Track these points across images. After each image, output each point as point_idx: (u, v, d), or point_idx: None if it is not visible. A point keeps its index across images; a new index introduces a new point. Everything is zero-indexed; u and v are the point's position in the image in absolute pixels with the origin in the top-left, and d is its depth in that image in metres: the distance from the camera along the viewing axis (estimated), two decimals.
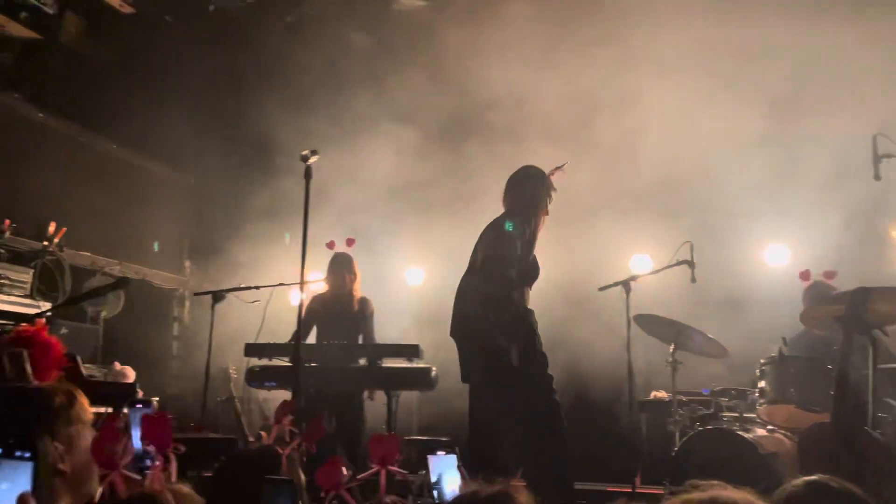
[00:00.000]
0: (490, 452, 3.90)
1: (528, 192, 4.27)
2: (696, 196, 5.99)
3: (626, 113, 5.83)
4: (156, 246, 7.30)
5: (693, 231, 5.31)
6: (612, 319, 5.17)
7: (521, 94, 6.19)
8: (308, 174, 3.66)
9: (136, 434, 2.07)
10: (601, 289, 5.00)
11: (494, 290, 3.96)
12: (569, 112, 6.09)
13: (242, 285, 5.48)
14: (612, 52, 5.93)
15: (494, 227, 4.17)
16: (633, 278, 4.99)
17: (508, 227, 4.06)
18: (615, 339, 5.03)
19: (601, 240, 6.10)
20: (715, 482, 1.58)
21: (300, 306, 3.68)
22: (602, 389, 5.63)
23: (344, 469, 2.09)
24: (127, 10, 6.95)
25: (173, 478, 1.88)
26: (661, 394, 5.69)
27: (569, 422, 5.78)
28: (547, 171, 4.35)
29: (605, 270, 5.52)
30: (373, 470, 2.18)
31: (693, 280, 4.96)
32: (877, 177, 4.42)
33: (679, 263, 4.99)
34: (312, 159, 3.66)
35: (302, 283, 3.67)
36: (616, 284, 4.96)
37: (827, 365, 4.43)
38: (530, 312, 4.21)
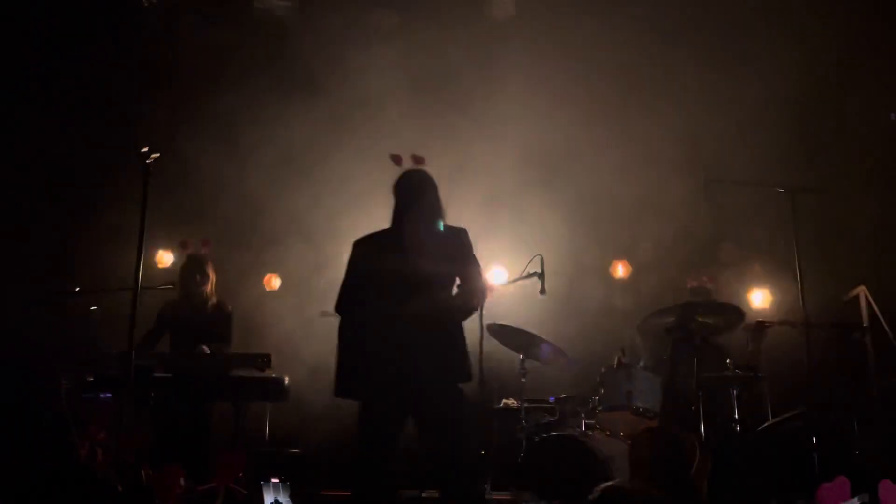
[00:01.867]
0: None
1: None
2: (547, 208, 6.25)
3: (482, 120, 6.00)
4: None
5: (542, 243, 5.52)
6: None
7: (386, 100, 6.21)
8: (146, 171, 3.47)
9: None
10: None
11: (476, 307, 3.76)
12: (437, 113, 6.18)
13: (77, 289, 5.12)
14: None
15: (462, 237, 3.81)
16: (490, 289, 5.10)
17: None
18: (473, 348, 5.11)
19: None
20: None
21: (133, 313, 3.46)
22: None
23: (182, 480, 2.00)
24: None
25: None
26: (511, 402, 5.84)
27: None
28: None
29: None
30: (211, 484, 2.10)
31: (542, 292, 5.14)
32: (707, 199, 4.81)
33: (530, 276, 5.16)
34: (152, 157, 3.47)
35: (136, 288, 3.46)
36: None
37: (659, 372, 4.75)
38: None
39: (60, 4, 6.29)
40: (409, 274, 3.58)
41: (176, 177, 5.65)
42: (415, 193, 3.82)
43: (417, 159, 4.00)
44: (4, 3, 6.27)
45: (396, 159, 4.41)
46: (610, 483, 1.93)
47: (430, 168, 5.87)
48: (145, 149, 3.44)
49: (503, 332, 5.36)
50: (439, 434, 3.50)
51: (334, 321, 6.23)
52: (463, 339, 3.69)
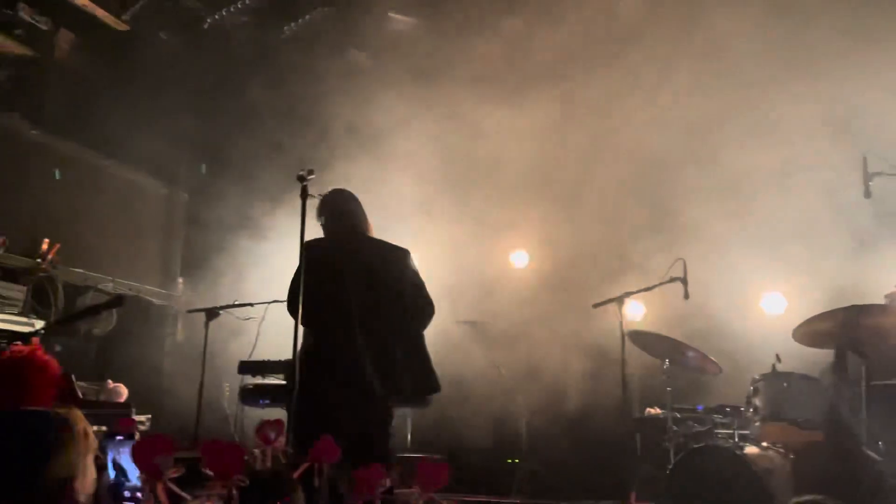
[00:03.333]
0: None
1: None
2: (688, 213, 6.01)
3: (632, 132, 5.87)
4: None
5: (686, 248, 5.33)
6: (606, 336, 5.18)
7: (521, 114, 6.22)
8: (304, 194, 3.66)
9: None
10: (595, 305, 5.02)
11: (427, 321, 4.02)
12: (579, 128, 6.11)
13: (237, 302, 5.47)
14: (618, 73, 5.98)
15: (407, 257, 4.05)
16: (627, 295, 5.00)
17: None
18: (609, 355, 5.04)
19: (596, 257, 6.13)
20: None
21: (297, 324, 3.66)
22: (596, 406, 5.64)
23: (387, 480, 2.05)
24: (122, 26, 6.98)
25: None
26: (656, 410, 5.69)
27: (564, 439, 5.78)
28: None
29: (600, 288, 5.51)
30: (411, 490, 2.14)
31: (686, 297, 4.98)
32: (867, 194, 4.48)
33: (672, 280, 5.01)
34: (309, 178, 3.66)
35: (299, 299, 3.65)
36: (610, 301, 4.97)
37: (821, 381, 4.46)
38: None
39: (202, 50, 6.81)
40: (362, 289, 3.81)
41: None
42: (349, 209, 4.07)
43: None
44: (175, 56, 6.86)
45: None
46: (806, 497, 1.83)
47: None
48: (303, 171, 3.64)
49: (645, 339, 5.24)
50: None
51: (470, 328, 6.37)
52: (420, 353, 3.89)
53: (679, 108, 5.72)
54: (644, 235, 6.25)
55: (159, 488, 1.61)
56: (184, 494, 1.61)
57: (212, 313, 5.44)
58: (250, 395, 5.16)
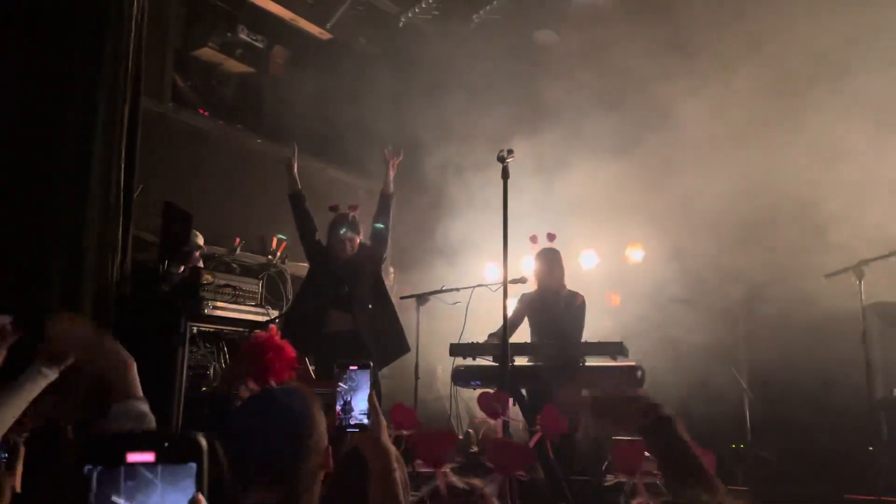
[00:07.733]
0: None
1: None
2: None
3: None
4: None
5: None
6: (842, 310, 4.67)
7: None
8: (505, 174, 3.67)
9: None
10: (828, 276, 4.54)
11: None
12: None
13: (444, 287, 5.63)
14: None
15: None
16: (865, 262, 4.47)
17: None
18: (847, 331, 4.52)
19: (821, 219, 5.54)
20: None
21: (504, 306, 3.69)
22: (836, 388, 5.09)
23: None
24: (326, 36, 7.48)
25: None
26: None
27: (801, 424, 5.31)
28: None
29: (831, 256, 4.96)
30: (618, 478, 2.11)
31: None
32: None
33: None
34: (509, 159, 3.66)
35: (506, 283, 3.68)
36: (845, 271, 4.48)
37: None
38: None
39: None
40: None
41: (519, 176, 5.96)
42: None
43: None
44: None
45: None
46: None
47: None
48: (503, 151, 3.65)
49: (890, 312, 4.66)
50: None
51: (687, 306, 6.05)
52: None
53: None
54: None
55: (439, 476, 1.67)
56: (461, 485, 1.65)
57: (422, 299, 5.66)
58: (463, 377, 5.33)
